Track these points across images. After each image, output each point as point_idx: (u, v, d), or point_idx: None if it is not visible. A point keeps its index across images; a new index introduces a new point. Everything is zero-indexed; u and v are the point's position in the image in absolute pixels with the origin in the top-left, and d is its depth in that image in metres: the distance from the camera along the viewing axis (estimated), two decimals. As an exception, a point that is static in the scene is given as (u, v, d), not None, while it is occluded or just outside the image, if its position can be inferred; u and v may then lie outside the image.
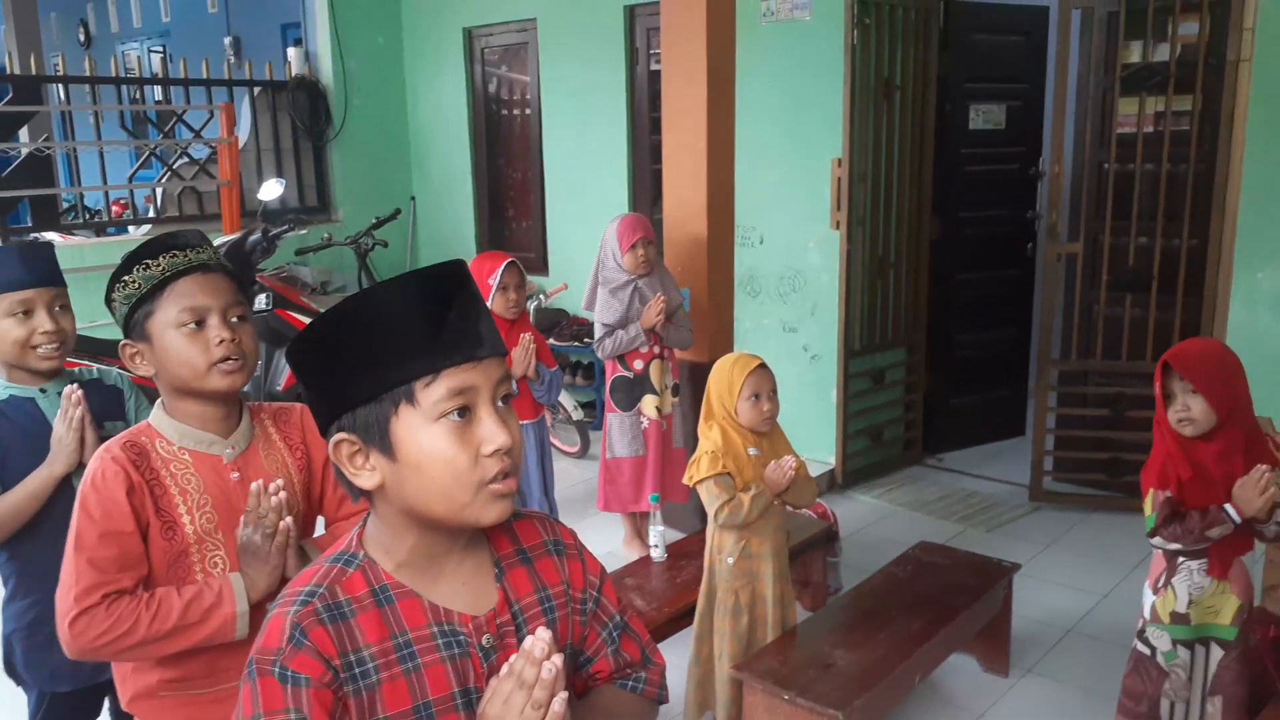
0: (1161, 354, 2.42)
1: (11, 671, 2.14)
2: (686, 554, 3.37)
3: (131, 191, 6.31)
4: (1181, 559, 2.41)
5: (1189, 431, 2.35)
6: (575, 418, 5.27)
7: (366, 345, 1.06)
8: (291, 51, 6.81)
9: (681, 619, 3.02)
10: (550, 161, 6.29)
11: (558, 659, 1.03)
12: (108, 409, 2.10)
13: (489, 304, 3.48)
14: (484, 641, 1.14)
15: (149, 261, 1.62)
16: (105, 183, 6.05)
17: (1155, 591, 2.47)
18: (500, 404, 1.10)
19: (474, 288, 1.12)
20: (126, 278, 1.63)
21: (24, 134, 5.98)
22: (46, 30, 11.44)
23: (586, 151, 6.04)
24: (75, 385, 2.00)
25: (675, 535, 3.68)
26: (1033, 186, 5.38)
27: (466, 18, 6.55)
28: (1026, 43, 5.23)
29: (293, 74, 6.65)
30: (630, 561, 3.52)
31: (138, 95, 6.65)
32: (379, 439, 1.07)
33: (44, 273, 2.08)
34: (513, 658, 1.05)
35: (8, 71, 5.59)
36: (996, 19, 5.15)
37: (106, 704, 2.22)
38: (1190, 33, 4.23)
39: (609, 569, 1.49)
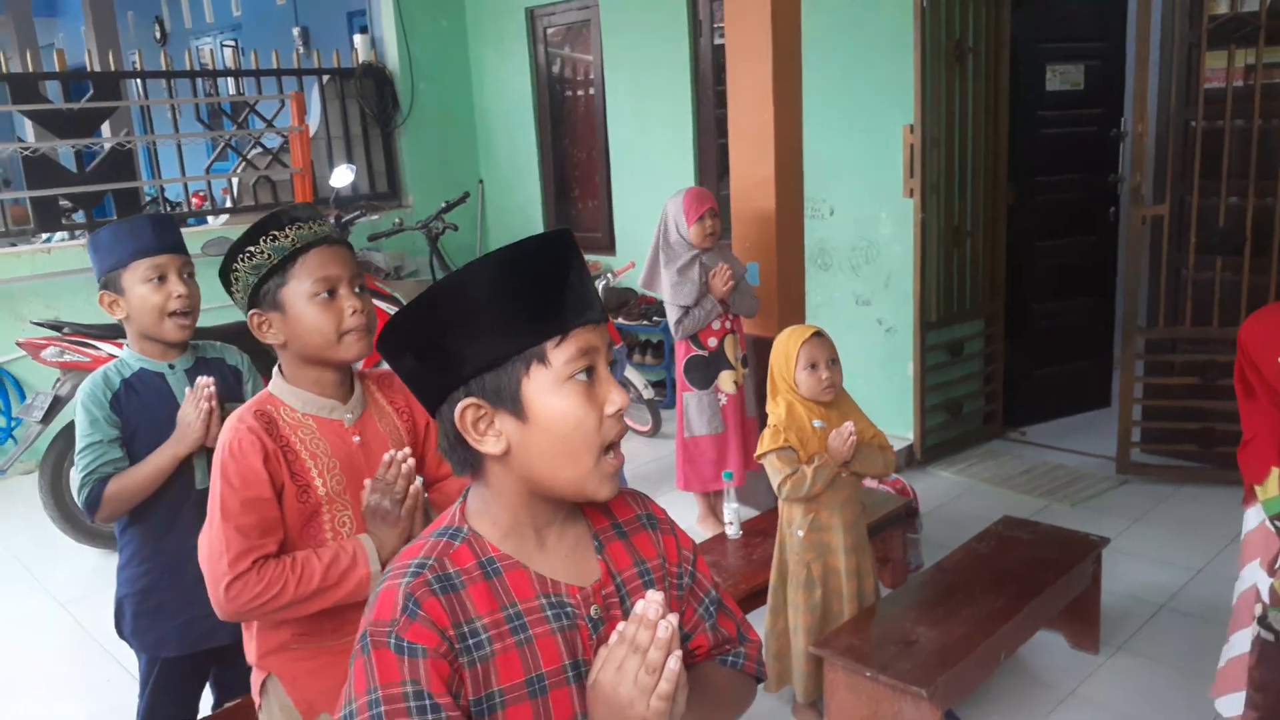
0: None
1: (120, 633, 2.23)
2: (761, 531, 3.34)
3: (209, 183, 6.46)
4: None
5: None
6: (646, 396, 5.26)
7: (496, 308, 1.05)
8: (358, 39, 6.89)
9: (758, 596, 3.00)
10: (615, 140, 6.27)
11: (673, 617, 1.01)
12: (228, 389, 2.18)
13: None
14: (592, 613, 1.13)
15: (276, 233, 1.67)
16: (184, 175, 6.21)
17: (1271, 573, 2.37)
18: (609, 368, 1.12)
19: (581, 254, 1.13)
20: (252, 248, 1.67)
21: (105, 129, 6.12)
22: (124, 28, 11.74)
23: (651, 129, 6.00)
24: (210, 379, 2.05)
25: (750, 513, 3.65)
26: (1113, 149, 5.18)
27: (529, -2, 6.55)
28: (1104, -1, 5.03)
29: (359, 61, 6.73)
30: (705, 539, 3.50)
31: (212, 88, 6.79)
32: (510, 401, 1.07)
33: (174, 239, 2.13)
34: (622, 624, 1.03)
35: (88, 69, 5.75)
36: (1072, -25, 4.96)
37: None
38: (1283, -20, 4.02)
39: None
